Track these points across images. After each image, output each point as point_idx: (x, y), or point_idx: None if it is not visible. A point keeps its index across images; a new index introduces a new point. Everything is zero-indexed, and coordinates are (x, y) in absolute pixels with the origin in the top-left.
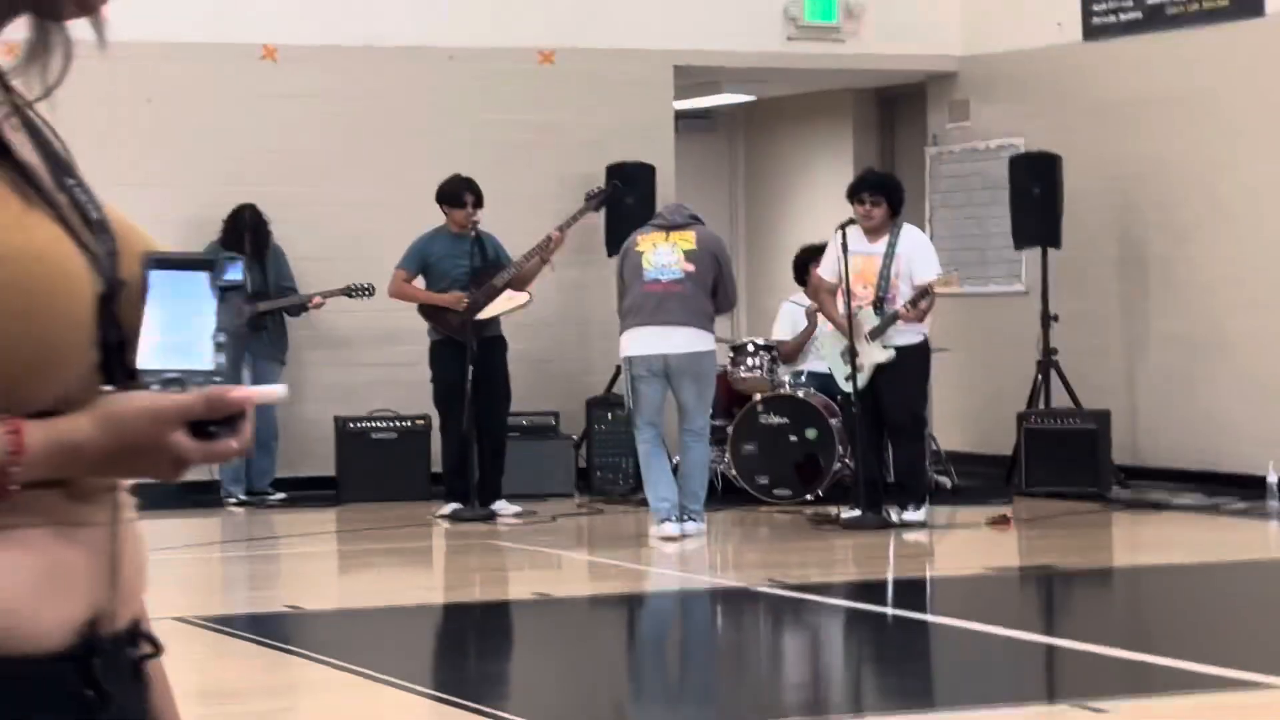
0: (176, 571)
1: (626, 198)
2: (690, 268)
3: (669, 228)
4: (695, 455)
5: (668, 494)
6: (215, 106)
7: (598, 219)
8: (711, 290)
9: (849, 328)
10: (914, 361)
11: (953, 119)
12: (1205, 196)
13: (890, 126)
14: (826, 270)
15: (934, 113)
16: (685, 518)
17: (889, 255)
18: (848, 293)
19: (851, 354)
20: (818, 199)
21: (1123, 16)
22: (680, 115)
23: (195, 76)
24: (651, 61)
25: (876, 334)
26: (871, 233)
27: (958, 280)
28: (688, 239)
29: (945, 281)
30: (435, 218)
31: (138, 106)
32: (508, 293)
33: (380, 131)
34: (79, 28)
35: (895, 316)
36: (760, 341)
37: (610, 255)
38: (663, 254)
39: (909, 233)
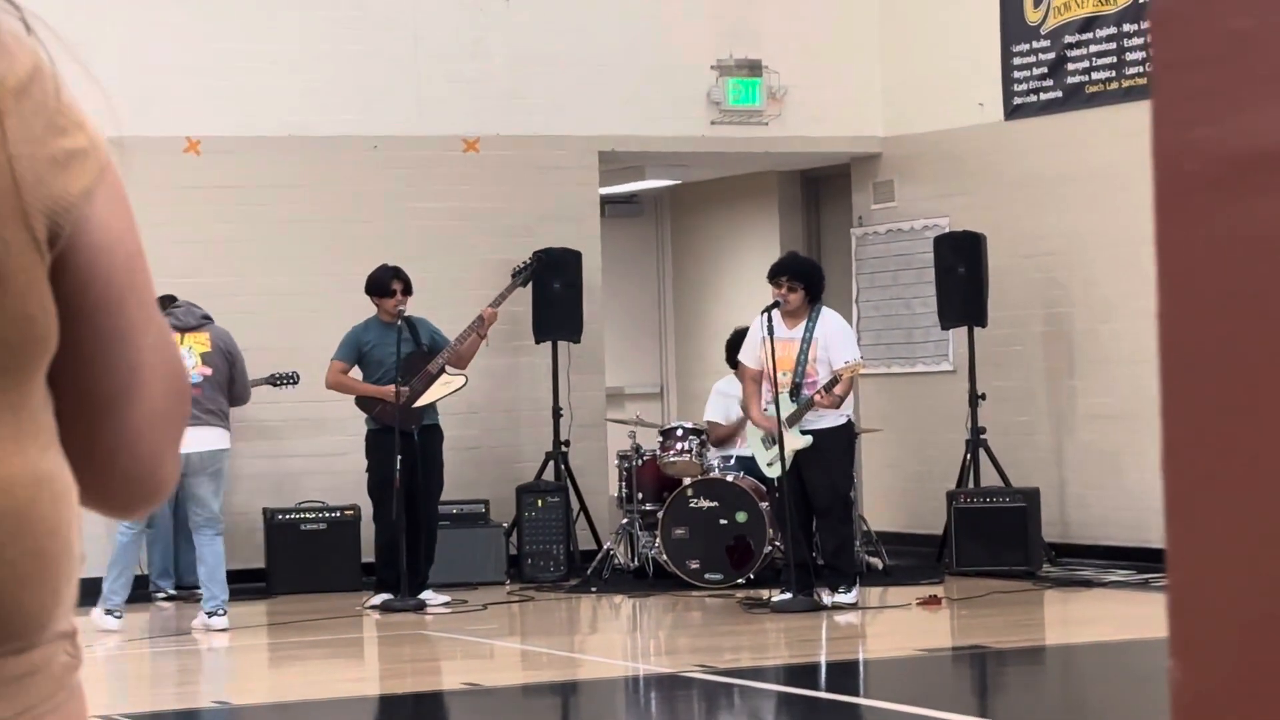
0: (104, 667)
1: (554, 283)
2: (207, 370)
3: (182, 330)
4: (217, 548)
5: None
6: (139, 198)
7: (527, 306)
8: (229, 386)
9: (776, 412)
10: (837, 444)
11: (877, 199)
12: (1129, 271)
13: (815, 207)
14: (748, 356)
15: (859, 193)
16: (218, 611)
17: (806, 340)
18: (775, 376)
19: (779, 440)
20: (745, 281)
21: (1043, 96)
22: (606, 200)
23: (118, 168)
24: (576, 147)
25: (793, 420)
26: (789, 317)
27: (862, 366)
28: (202, 341)
29: (854, 369)
30: (360, 306)
31: None
32: (445, 375)
33: (305, 221)
34: None
35: (810, 402)
36: (689, 425)
37: (538, 342)
38: (189, 355)
39: (827, 317)
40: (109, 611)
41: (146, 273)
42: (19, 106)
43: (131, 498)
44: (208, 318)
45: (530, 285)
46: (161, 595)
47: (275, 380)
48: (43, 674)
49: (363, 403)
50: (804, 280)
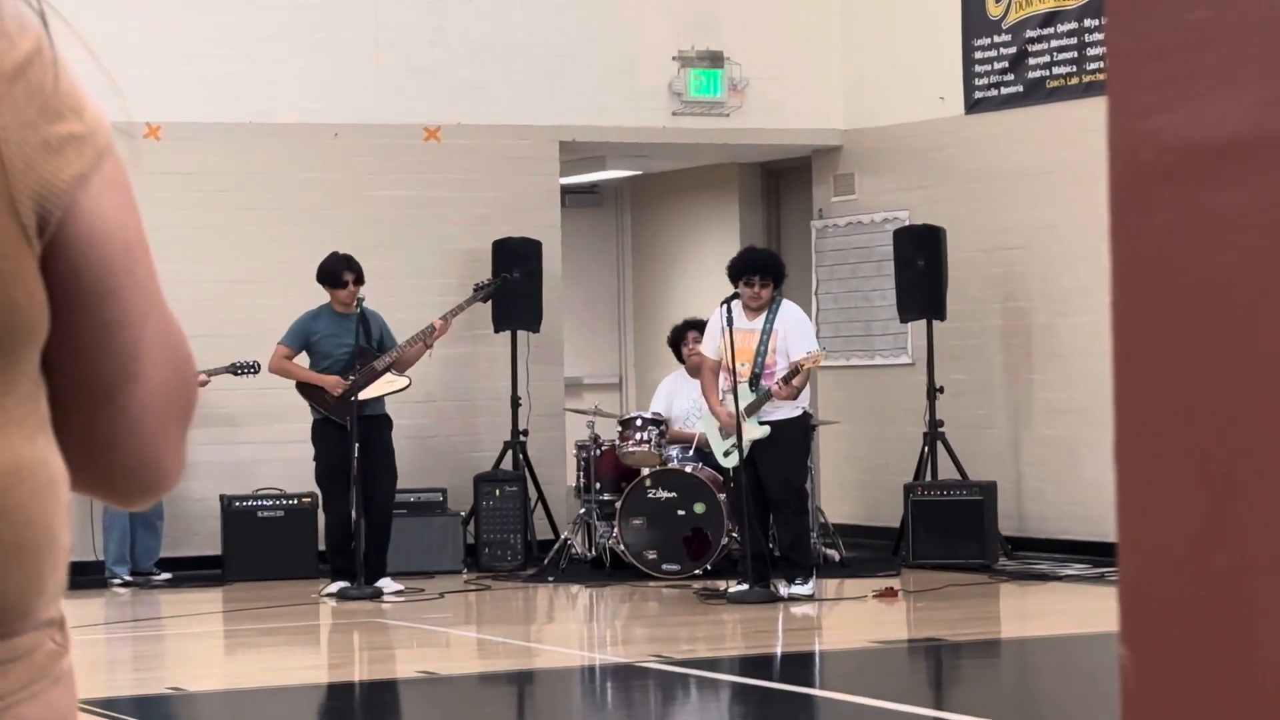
0: None
1: (514, 272)
2: None
3: None
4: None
5: None
6: None
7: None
8: None
9: (735, 402)
10: (792, 435)
11: (837, 192)
12: (1087, 265)
13: (776, 200)
14: (707, 347)
15: (819, 186)
16: None
17: (766, 331)
18: (733, 368)
19: (737, 430)
20: (704, 272)
21: (1003, 90)
22: (566, 190)
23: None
24: (537, 137)
25: (751, 410)
26: (750, 309)
27: (823, 356)
28: None
29: (815, 360)
30: (318, 294)
31: None
32: (388, 376)
33: (265, 208)
34: None
35: (768, 394)
36: (647, 415)
37: (497, 331)
38: None
39: (786, 309)
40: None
41: (148, 261)
42: (11, 90)
43: (135, 488)
44: None
45: (490, 277)
46: (118, 581)
47: (236, 369)
48: (24, 662)
49: (303, 390)
50: (775, 277)
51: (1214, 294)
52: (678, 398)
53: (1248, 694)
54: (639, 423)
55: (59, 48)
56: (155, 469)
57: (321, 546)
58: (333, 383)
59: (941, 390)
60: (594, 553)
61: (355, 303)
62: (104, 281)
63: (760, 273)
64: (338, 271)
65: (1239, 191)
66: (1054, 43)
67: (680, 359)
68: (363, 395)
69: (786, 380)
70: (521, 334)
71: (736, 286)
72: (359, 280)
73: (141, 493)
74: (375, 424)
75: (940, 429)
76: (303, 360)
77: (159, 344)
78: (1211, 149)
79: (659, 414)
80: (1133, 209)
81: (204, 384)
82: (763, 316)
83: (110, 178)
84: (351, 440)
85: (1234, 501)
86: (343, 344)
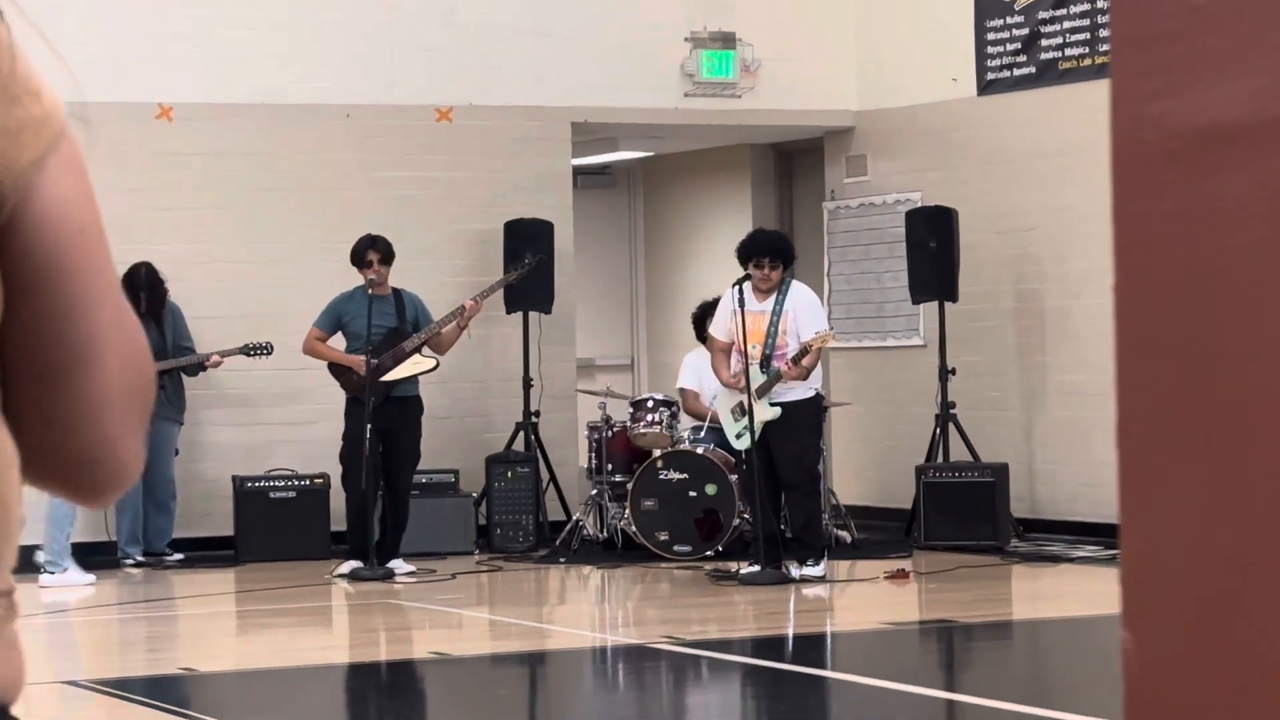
0: (72, 634)
1: (526, 254)
2: None
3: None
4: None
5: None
6: (111, 165)
7: (499, 276)
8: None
9: (746, 384)
10: (805, 416)
11: (850, 174)
12: (1100, 247)
13: (788, 181)
14: (718, 329)
15: (831, 167)
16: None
17: (776, 313)
18: (745, 349)
19: (749, 411)
20: (716, 253)
21: (1016, 71)
22: (579, 171)
23: (90, 135)
24: (549, 118)
25: (762, 392)
26: (761, 290)
27: (832, 336)
28: None
29: (824, 340)
30: (332, 275)
31: None
32: (416, 356)
33: (276, 189)
34: None
35: (779, 374)
36: (659, 397)
37: (509, 312)
38: None
39: (796, 290)
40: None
41: (103, 246)
42: None
43: (93, 478)
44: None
45: (502, 257)
46: (130, 562)
47: (250, 350)
48: None
49: (334, 371)
50: (785, 258)
51: (1217, 277)
52: (706, 374)
53: (1249, 677)
54: (650, 404)
55: (13, 31)
56: (113, 459)
57: (334, 527)
58: (359, 362)
59: (953, 372)
60: (606, 534)
61: (386, 283)
62: (59, 263)
63: (769, 254)
64: (362, 252)
65: (1242, 176)
66: (1067, 24)
67: (701, 337)
68: (390, 376)
69: (796, 360)
70: (533, 315)
71: (746, 268)
72: (385, 260)
73: (103, 485)
74: (405, 406)
75: (952, 410)
76: (336, 342)
77: (115, 329)
78: (1215, 134)
79: (687, 389)
80: (1136, 193)
81: (217, 365)
82: (772, 298)
83: (67, 160)
84: (365, 420)
85: (1236, 485)
86: (374, 325)
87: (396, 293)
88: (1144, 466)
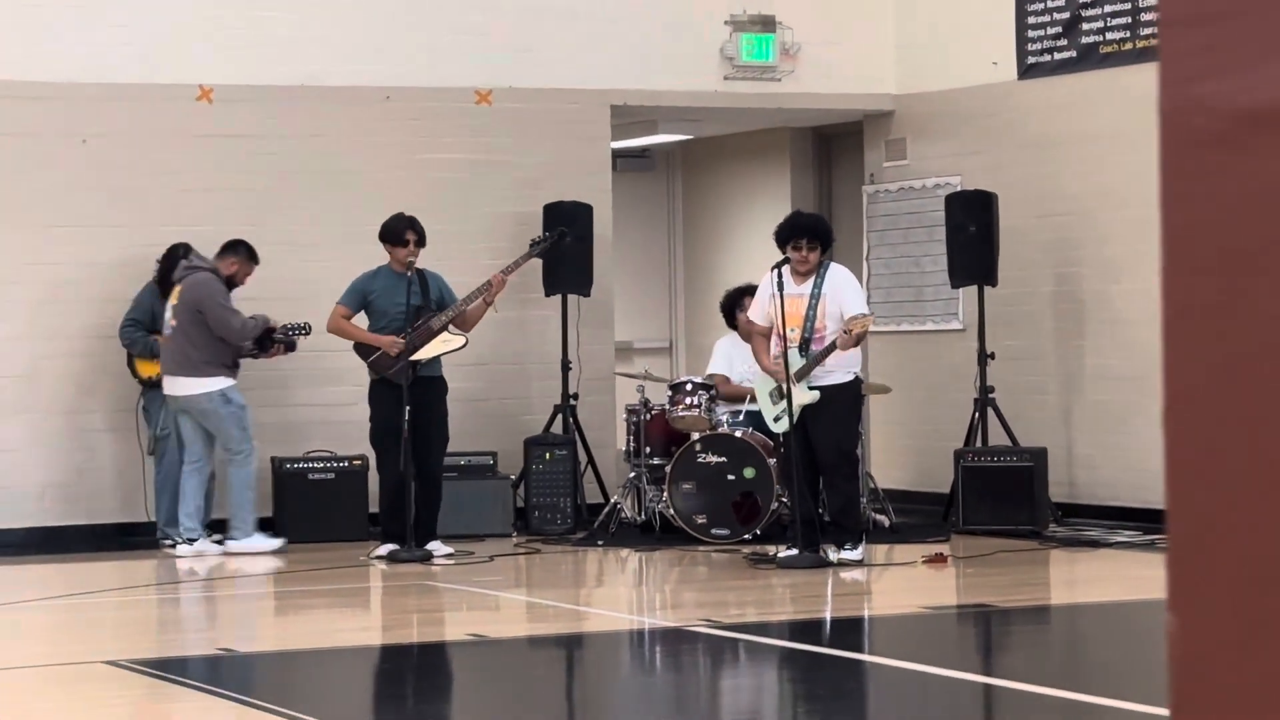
0: (111, 614)
1: (565, 236)
2: (174, 323)
3: (172, 283)
4: (190, 483)
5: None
6: (151, 147)
7: (538, 259)
8: (204, 333)
9: (785, 367)
10: (844, 400)
11: (889, 157)
12: (1140, 232)
13: (827, 165)
14: (757, 314)
15: (871, 151)
16: (184, 539)
17: (815, 296)
18: (784, 332)
19: (787, 395)
20: (755, 237)
21: (1057, 55)
22: (618, 154)
23: (131, 117)
24: (588, 101)
25: (801, 375)
26: (801, 274)
27: (871, 320)
28: (174, 295)
29: (863, 324)
30: (371, 256)
31: (73, 147)
32: (445, 334)
33: (316, 171)
34: (6, 67)
35: (825, 353)
36: (698, 380)
37: (548, 295)
38: (167, 309)
39: (835, 272)
40: (190, 540)
41: None
42: None
43: None
44: (194, 268)
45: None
46: (169, 543)
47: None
48: None
49: (360, 350)
50: (823, 240)
51: (1265, 259)
52: (736, 360)
53: None
54: (689, 387)
55: None
56: None
57: (373, 509)
58: (388, 342)
59: (992, 356)
60: (643, 517)
61: (407, 265)
62: None
63: (808, 236)
64: (400, 230)
65: None
66: (1108, 7)
67: (732, 324)
68: (419, 355)
69: (847, 331)
70: (572, 298)
71: (784, 250)
72: (420, 242)
73: None
74: (430, 386)
75: (991, 395)
76: (360, 321)
77: None
78: (1262, 115)
79: (716, 375)
80: (1183, 175)
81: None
82: (811, 281)
83: None
84: (405, 402)
85: None
86: (400, 303)
87: (419, 271)
88: (1191, 448)
